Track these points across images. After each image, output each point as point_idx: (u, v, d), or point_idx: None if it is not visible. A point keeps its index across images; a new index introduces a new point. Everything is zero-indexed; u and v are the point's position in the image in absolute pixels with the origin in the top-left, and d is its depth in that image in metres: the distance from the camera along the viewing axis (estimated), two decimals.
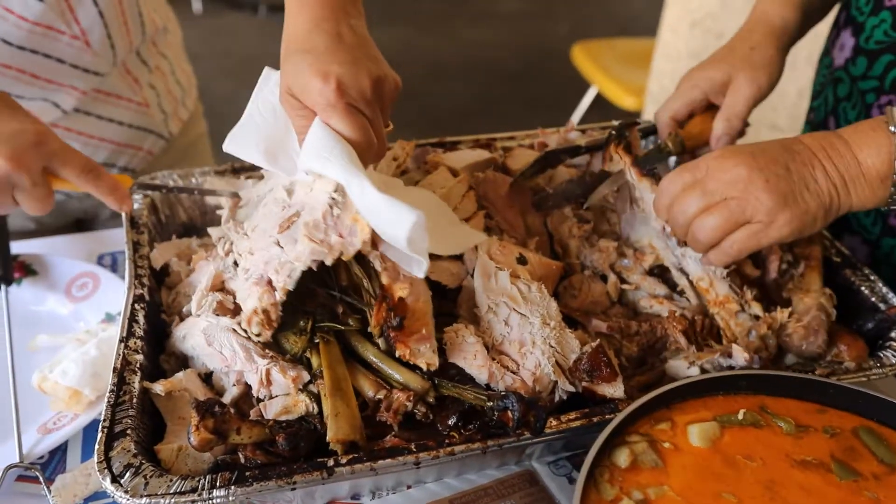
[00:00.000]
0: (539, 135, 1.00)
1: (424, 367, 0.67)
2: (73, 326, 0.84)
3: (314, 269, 0.66)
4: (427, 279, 0.70)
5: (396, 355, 0.66)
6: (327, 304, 0.72)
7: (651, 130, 0.96)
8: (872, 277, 0.80)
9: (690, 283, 0.80)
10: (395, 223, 0.62)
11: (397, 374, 0.67)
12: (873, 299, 0.78)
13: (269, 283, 0.67)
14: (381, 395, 0.66)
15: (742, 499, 0.56)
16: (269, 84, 0.74)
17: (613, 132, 0.86)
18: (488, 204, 0.88)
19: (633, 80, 2.72)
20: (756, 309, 0.77)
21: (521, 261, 0.76)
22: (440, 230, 0.71)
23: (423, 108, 3.49)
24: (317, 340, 0.69)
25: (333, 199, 0.67)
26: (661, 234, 0.81)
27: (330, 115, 0.64)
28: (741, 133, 0.88)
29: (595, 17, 4.96)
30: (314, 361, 0.68)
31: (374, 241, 0.67)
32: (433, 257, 0.69)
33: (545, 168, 0.91)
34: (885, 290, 0.78)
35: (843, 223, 0.98)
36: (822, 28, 1.03)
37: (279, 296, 0.67)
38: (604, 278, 0.83)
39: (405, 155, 0.92)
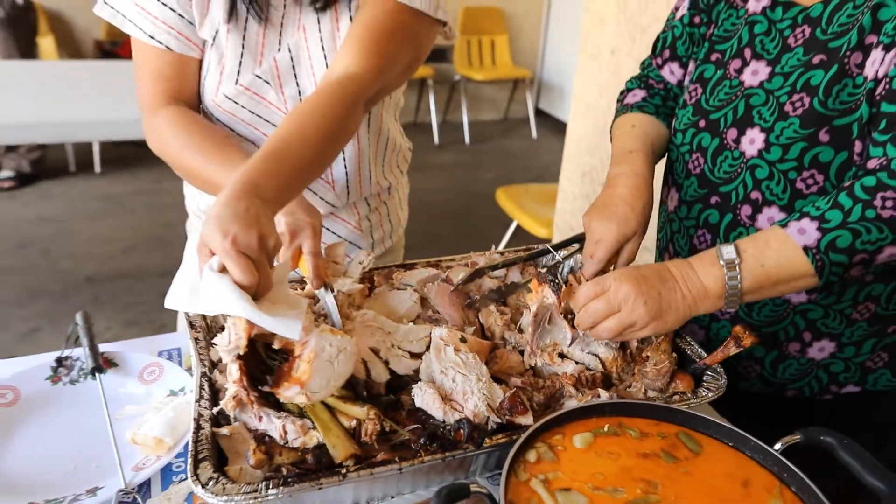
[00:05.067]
0: (472, 256, 1.20)
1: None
2: (147, 401, 0.97)
3: (244, 361, 0.80)
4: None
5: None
6: None
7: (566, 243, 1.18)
8: (692, 342, 1.00)
9: (602, 361, 0.96)
10: (280, 329, 0.76)
11: (347, 411, 0.80)
12: (692, 355, 0.98)
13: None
14: (354, 424, 0.80)
15: (607, 476, 0.72)
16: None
17: (540, 270, 1.06)
18: (436, 304, 1.06)
19: (543, 215, 3.01)
20: (626, 359, 0.97)
21: (463, 340, 0.93)
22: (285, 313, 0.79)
23: None
24: None
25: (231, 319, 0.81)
26: (575, 336, 0.96)
27: (225, 259, 0.73)
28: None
29: (513, 167, 5.33)
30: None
31: (250, 329, 0.78)
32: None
33: (475, 278, 1.11)
34: (699, 349, 0.98)
35: None
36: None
37: (236, 387, 0.79)
38: (521, 352, 1.01)
39: (368, 261, 1.09)
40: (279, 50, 1.11)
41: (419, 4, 1.07)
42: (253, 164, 0.84)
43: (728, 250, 0.85)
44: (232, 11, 1.07)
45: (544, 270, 1.17)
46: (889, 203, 0.79)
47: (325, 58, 1.12)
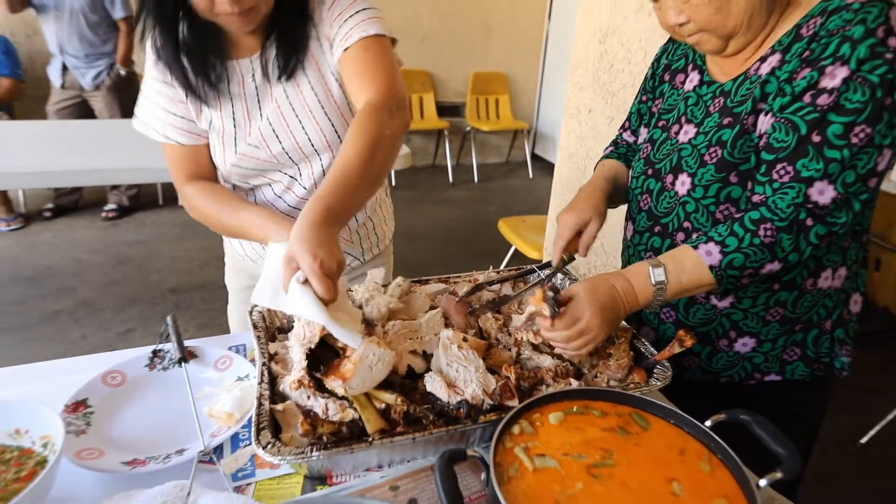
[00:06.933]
0: (473, 274, 1.25)
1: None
2: (220, 384, 1.01)
3: (309, 353, 0.86)
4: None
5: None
6: None
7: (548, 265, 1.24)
8: (646, 343, 1.04)
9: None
10: (345, 339, 0.82)
11: (380, 397, 0.85)
12: (645, 353, 1.02)
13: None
14: (384, 406, 0.84)
15: (574, 445, 0.75)
16: (279, 252, 0.85)
17: (543, 283, 1.12)
18: (445, 311, 1.10)
19: (536, 241, 3.03)
20: (594, 357, 1.01)
21: (464, 339, 0.97)
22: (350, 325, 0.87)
23: (401, 259, 3.74)
24: None
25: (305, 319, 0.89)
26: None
27: (312, 278, 0.77)
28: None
29: (513, 202, 5.33)
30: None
31: (322, 331, 0.85)
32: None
33: (476, 292, 1.15)
34: (651, 349, 1.02)
35: (640, 321, 1.20)
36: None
37: (302, 372, 0.85)
38: (510, 350, 1.08)
39: (407, 284, 1.14)
40: (261, 120, 1.17)
41: (376, 31, 1.08)
42: (326, 191, 0.86)
43: (658, 273, 0.93)
44: (187, 88, 1.09)
45: (548, 288, 1.21)
46: (769, 232, 0.88)
47: (300, 120, 1.16)
